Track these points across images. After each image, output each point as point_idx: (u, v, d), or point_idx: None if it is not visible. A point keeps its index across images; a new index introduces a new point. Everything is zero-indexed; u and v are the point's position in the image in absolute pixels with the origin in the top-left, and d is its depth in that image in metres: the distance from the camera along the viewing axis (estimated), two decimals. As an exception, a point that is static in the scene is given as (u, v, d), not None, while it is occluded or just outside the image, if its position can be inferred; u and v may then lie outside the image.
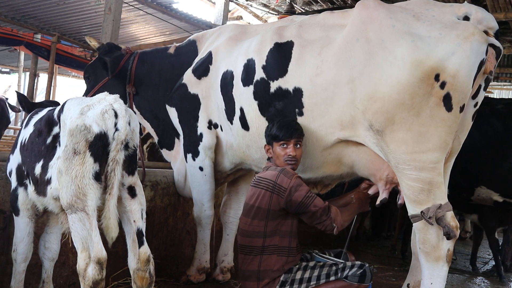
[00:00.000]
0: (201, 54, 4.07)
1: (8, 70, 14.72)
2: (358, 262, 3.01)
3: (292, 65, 3.24)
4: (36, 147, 2.72)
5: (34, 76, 9.97)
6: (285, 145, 3.10)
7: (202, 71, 3.92)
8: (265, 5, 8.16)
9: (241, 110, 3.54)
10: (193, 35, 4.39)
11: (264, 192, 2.97)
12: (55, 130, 2.67)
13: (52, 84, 9.42)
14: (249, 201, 3.07)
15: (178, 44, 4.39)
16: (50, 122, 2.72)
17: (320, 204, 2.96)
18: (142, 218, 2.63)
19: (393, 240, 6.55)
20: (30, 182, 2.74)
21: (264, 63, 3.39)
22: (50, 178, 2.57)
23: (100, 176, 2.45)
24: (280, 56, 3.30)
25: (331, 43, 3.10)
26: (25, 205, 2.82)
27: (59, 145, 2.58)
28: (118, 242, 2.68)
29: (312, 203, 2.93)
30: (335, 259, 3.20)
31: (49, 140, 2.67)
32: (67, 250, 3.32)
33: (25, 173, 2.79)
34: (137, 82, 4.28)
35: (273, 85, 3.32)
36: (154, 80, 4.28)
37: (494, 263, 5.77)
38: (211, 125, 3.91)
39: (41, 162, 2.64)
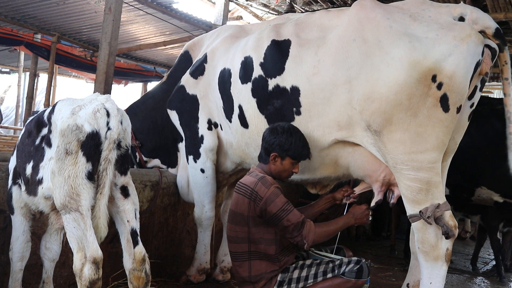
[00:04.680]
0: (198, 57, 4.11)
1: (8, 70, 14.69)
2: (354, 258, 3.00)
3: (289, 63, 3.24)
4: (26, 148, 2.72)
5: (34, 76, 9.97)
6: (296, 163, 3.10)
7: (199, 71, 3.94)
8: (265, 5, 8.15)
9: (240, 107, 3.53)
10: (185, 45, 4.47)
11: (243, 198, 2.96)
12: (44, 131, 2.66)
13: (52, 84, 9.44)
14: (232, 207, 3.07)
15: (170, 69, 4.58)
16: (39, 124, 2.71)
17: (294, 220, 2.89)
18: (135, 218, 2.62)
19: (391, 240, 6.55)
20: (21, 182, 2.74)
21: (262, 61, 3.39)
22: (42, 178, 2.56)
23: (93, 176, 2.44)
24: (278, 53, 3.30)
25: (327, 43, 3.09)
26: (19, 204, 2.82)
27: (50, 146, 2.57)
28: (118, 242, 2.68)
29: (286, 217, 2.88)
30: (332, 256, 3.19)
31: (38, 141, 2.66)
32: (67, 250, 3.31)
33: (18, 173, 2.80)
34: (138, 135, 4.46)
35: (271, 83, 3.32)
36: (151, 122, 4.45)
37: (494, 263, 5.78)
38: (211, 124, 3.91)
39: (31, 163, 2.64)
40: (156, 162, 4.51)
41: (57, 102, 2.67)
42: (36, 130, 2.71)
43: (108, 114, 2.49)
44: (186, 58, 4.35)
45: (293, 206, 2.94)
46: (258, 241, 2.98)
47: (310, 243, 2.93)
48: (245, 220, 2.97)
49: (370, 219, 3.18)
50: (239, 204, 2.99)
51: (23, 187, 2.72)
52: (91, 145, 2.43)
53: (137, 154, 4.50)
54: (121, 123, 2.54)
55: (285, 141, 3.02)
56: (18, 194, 2.81)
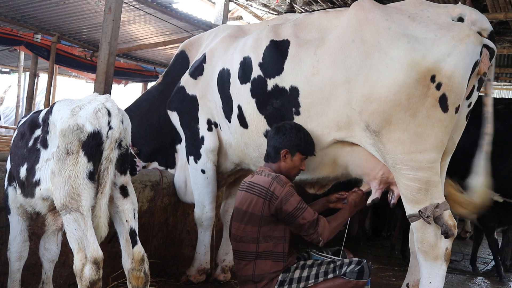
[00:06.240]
0: (197, 58, 4.10)
1: (8, 70, 14.70)
2: (355, 259, 3.01)
3: (288, 64, 3.24)
4: (19, 151, 2.71)
5: (34, 76, 9.97)
6: (304, 159, 3.14)
7: (198, 71, 3.94)
8: (265, 5, 8.16)
9: (239, 107, 3.54)
10: (181, 45, 4.44)
11: (257, 198, 2.95)
12: (39, 132, 2.65)
13: (52, 84, 9.45)
14: (241, 206, 3.03)
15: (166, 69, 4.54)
16: (33, 125, 2.70)
17: (309, 217, 2.93)
18: (134, 217, 2.62)
19: (393, 240, 6.55)
20: (16, 185, 2.74)
21: (261, 61, 3.39)
22: (39, 179, 2.55)
23: (94, 176, 2.44)
24: (276, 54, 3.31)
25: (326, 43, 3.10)
26: (15, 204, 2.82)
27: (46, 147, 2.57)
28: (118, 242, 2.68)
29: (301, 215, 2.92)
30: (333, 257, 3.19)
31: (32, 142, 2.65)
32: (67, 250, 3.31)
33: (12, 176, 2.79)
34: (135, 140, 4.38)
35: (270, 83, 3.32)
36: (148, 125, 4.39)
37: (494, 263, 5.78)
38: (211, 125, 3.91)
39: (25, 165, 2.63)
40: (154, 165, 4.50)
41: (54, 104, 2.66)
42: (29, 132, 2.70)
43: (109, 114, 2.49)
44: (182, 57, 4.33)
45: (306, 204, 2.98)
46: (266, 239, 2.98)
47: (325, 240, 2.98)
48: (258, 220, 2.96)
49: (369, 202, 3.25)
50: (252, 204, 2.97)
51: (18, 190, 2.72)
52: (92, 145, 2.43)
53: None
54: (122, 122, 2.54)
55: (295, 136, 3.09)
56: (14, 194, 2.81)
